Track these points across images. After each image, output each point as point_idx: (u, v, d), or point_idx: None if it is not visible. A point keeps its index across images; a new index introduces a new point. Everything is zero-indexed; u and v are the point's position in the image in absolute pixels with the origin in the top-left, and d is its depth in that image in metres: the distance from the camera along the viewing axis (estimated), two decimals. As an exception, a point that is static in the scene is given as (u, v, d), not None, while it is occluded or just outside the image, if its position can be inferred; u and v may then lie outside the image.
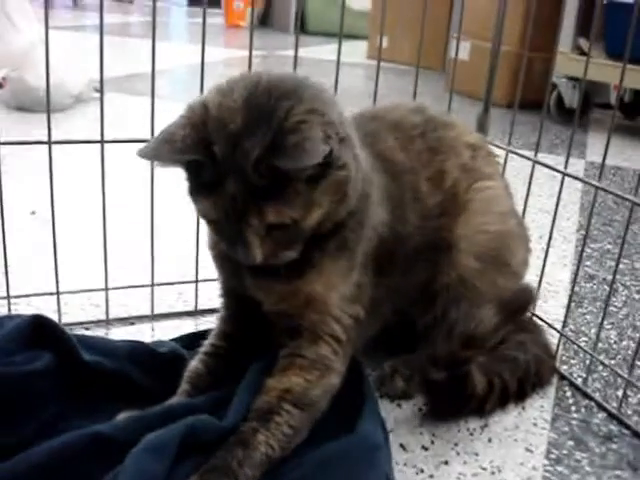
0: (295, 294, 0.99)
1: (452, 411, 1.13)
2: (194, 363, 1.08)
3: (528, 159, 1.35)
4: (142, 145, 0.88)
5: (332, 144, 0.86)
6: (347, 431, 0.97)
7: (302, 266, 0.97)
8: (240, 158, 0.84)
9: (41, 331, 1.06)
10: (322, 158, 0.83)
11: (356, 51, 5.20)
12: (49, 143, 1.21)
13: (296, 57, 1.32)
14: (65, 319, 1.29)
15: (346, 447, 0.94)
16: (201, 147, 0.86)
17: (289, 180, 0.86)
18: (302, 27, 6.27)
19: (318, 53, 4.83)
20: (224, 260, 1.06)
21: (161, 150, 0.87)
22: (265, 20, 6.87)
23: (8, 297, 1.28)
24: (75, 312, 1.34)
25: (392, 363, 1.19)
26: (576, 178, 1.32)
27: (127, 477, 0.82)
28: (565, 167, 1.26)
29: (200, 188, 0.89)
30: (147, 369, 1.08)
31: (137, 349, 1.12)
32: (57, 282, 1.28)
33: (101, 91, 1.23)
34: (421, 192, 1.12)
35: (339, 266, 0.99)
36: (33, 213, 1.80)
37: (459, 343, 1.15)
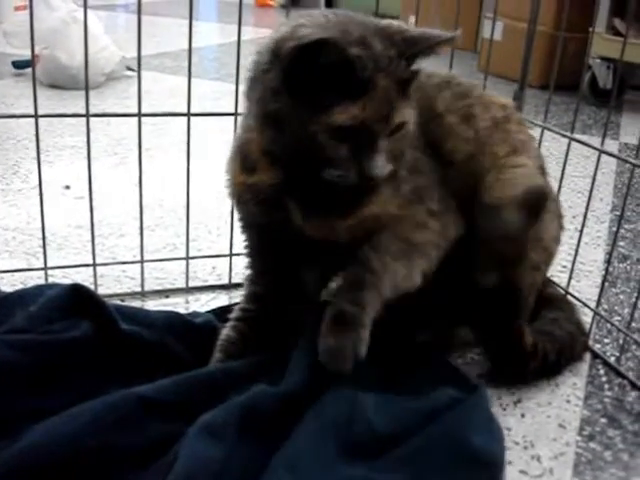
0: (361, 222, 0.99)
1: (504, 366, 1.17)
2: (226, 331, 1.09)
3: (564, 136, 1.34)
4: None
5: None
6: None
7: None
8: (380, 56, 0.88)
9: (79, 300, 1.08)
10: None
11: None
12: (87, 116, 1.22)
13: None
14: (101, 290, 1.30)
15: (449, 394, 1.00)
16: (340, 54, 0.85)
17: (411, 81, 0.92)
18: (332, 6, 6.24)
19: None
20: (261, 211, 1.02)
21: (332, 34, 0.86)
22: (295, -1, 6.86)
23: (45, 268, 1.30)
24: (110, 284, 1.36)
25: (426, 337, 1.20)
26: (612, 155, 1.31)
27: (184, 462, 0.82)
28: (601, 144, 1.25)
29: (342, 97, 0.87)
30: (183, 339, 1.10)
31: (173, 319, 1.14)
32: (93, 253, 1.30)
33: (139, 67, 1.24)
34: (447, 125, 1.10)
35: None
36: (67, 188, 1.82)
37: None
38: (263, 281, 1.11)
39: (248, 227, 1.09)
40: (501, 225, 1.07)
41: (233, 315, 1.11)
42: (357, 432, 0.92)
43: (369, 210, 0.97)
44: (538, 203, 1.13)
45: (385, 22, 0.94)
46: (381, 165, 0.90)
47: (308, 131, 0.88)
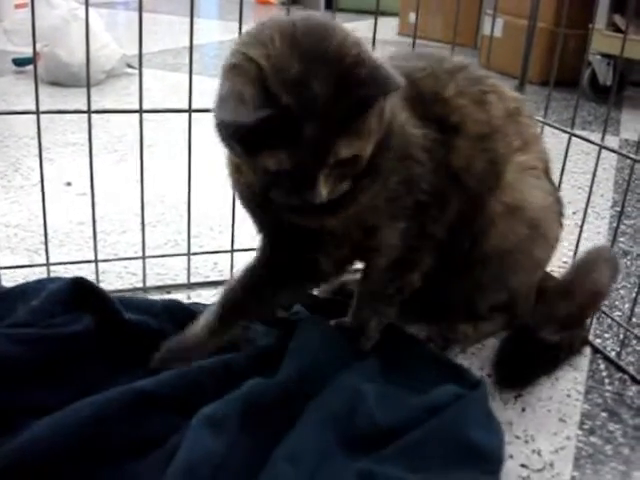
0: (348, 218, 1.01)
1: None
2: (230, 281, 1.12)
3: (564, 131, 1.34)
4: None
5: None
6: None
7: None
8: (313, 102, 0.84)
9: (81, 293, 1.08)
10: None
11: (387, 28, 5.15)
12: (88, 112, 1.22)
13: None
14: (102, 286, 1.29)
15: (450, 390, 1.01)
16: (270, 101, 0.83)
17: (361, 112, 0.87)
18: (332, 4, 6.23)
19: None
20: (256, 204, 1.06)
21: (240, 111, 0.83)
22: (295, -3, 6.84)
23: (47, 264, 1.30)
24: (112, 280, 1.37)
25: (426, 332, 1.20)
26: (612, 150, 1.31)
27: (186, 454, 0.83)
28: (602, 140, 1.26)
29: (268, 144, 0.86)
30: (183, 325, 1.10)
31: (173, 307, 1.15)
32: (95, 250, 1.30)
33: (140, 64, 1.24)
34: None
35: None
36: (69, 184, 1.82)
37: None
38: (270, 250, 1.12)
39: (251, 214, 1.10)
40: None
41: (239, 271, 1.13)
42: (358, 424, 0.93)
43: (355, 208, 0.98)
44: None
45: (343, 48, 0.86)
46: (322, 194, 0.88)
47: (248, 164, 0.92)
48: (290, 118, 0.84)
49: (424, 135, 1.03)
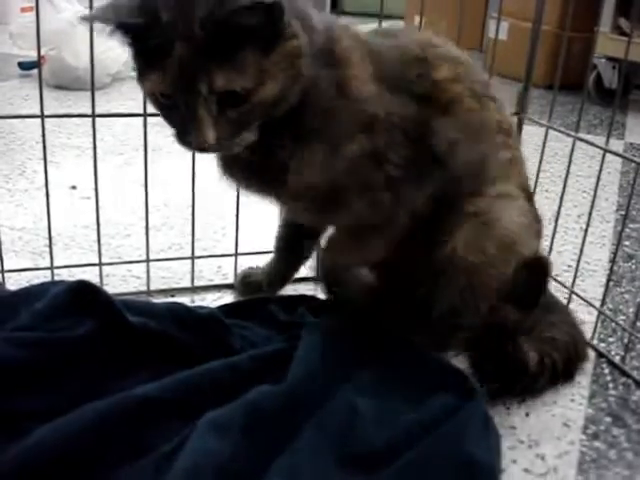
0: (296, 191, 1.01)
1: (506, 388, 1.11)
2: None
3: (568, 135, 1.34)
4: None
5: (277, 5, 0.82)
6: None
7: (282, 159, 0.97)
8: (186, 20, 0.81)
9: (85, 296, 1.08)
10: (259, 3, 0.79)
11: (392, 31, 5.15)
12: (93, 116, 1.22)
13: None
14: (106, 290, 1.30)
15: (446, 403, 1.00)
16: (147, 11, 0.83)
17: (239, 45, 0.83)
18: (338, 7, 6.23)
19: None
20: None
21: (107, 12, 0.84)
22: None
23: (52, 268, 1.30)
24: (116, 283, 1.37)
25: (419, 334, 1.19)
26: (617, 154, 1.31)
27: (190, 455, 0.83)
28: (606, 143, 1.25)
29: (148, 60, 0.86)
30: (187, 327, 1.10)
31: (176, 308, 1.15)
32: (99, 253, 1.31)
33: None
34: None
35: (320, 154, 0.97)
36: (73, 188, 1.82)
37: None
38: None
39: None
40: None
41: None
42: (356, 446, 0.92)
43: (298, 181, 0.98)
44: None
45: None
46: (208, 135, 0.85)
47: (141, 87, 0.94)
48: (166, 36, 0.82)
49: (388, 114, 0.99)
